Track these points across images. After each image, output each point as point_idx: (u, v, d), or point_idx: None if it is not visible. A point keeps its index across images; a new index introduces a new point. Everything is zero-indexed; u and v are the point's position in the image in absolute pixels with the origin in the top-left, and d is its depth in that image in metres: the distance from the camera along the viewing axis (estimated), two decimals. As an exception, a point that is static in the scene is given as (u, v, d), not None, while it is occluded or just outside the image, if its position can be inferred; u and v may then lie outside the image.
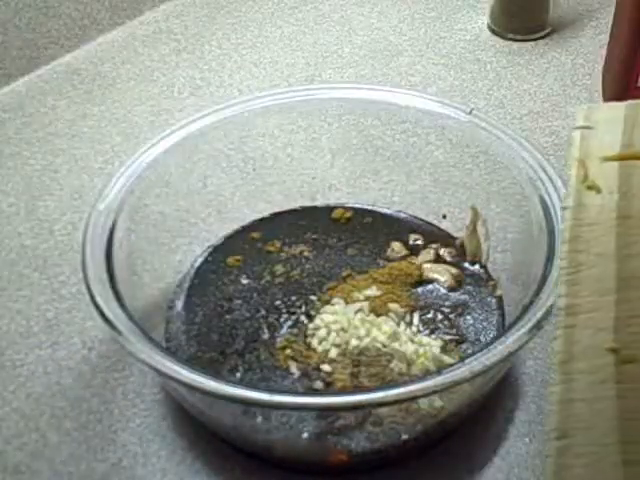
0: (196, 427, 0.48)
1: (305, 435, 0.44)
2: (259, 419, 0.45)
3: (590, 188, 0.36)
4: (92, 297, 0.44)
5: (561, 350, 0.32)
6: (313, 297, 0.52)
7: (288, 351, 0.49)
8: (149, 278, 0.53)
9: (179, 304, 0.53)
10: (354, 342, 0.49)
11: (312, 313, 0.51)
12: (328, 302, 0.52)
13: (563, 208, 0.37)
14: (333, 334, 0.49)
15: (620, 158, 0.37)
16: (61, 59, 0.79)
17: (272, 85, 0.74)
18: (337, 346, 0.49)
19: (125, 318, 0.43)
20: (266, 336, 0.50)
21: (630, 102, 0.40)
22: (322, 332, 0.49)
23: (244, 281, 0.54)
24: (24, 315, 0.55)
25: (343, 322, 0.50)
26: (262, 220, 0.58)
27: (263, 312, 0.52)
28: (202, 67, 0.77)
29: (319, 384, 0.47)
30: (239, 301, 0.53)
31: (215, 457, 0.47)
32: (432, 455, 0.46)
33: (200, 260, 0.56)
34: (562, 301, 0.33)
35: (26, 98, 0.74)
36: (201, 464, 0.46)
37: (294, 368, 0.48)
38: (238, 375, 0.48)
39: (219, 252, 0.56)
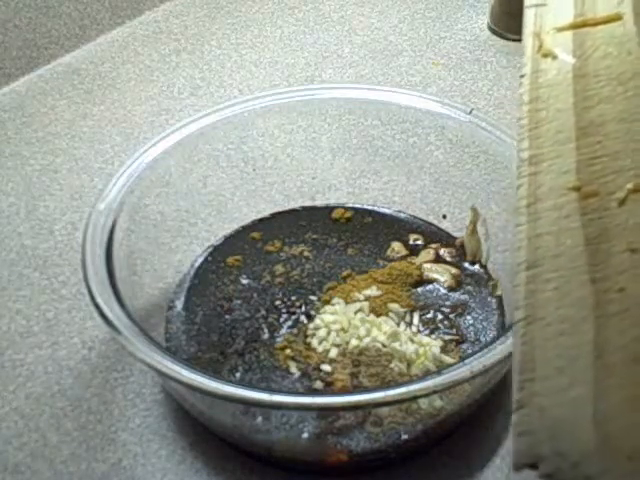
0: (196, 427, 0.48)
1: (305, 435, 0.44)
2: (259, 419, 0.45)
3: (546, 56, 0.39)
4: (92, 297, 0.44)
5: (526, 195, 0.34)
6: (313, 297, 0.52)
7: (288, 351, 0.49)
8: (149, 278, 0.53)
9: (179, 304, 0.53)
10: (354, 342, 0.49)
11: (312, 313, 0.51)
12: (328, 302, 0.52)
13: (521, 76, 0.39)
14: (333, 334, 0.49)
15: (572, 27, 0.40)
16: (61, 59, 0.79)
17: (272, 85, 0.74)
18: (337, 346, 0.49)
19: (125, 318, 0.43)
20: (266, 336, 0.50)
21: None
22: (322, 332, 0.49)
23: (244, 281, 0.54)
24: (24, 315, 0.55)
25: (343, 322, 0.50)
26: (262, 220, 0.58)
27: (263, 312, 0.52)
28: (202, 67, 0.77)
29: (319, 384, 0.47)
30: (239, 301, 0.53)
31: (215, 457, 0.47)
32: (432, 455, 0.46)
33: (200, 260, 0.56)
34: (525, 154, 0.36)
35: (26, 98, 0.74)
36: (201, 464, 0.46)
37: (294, 368, 0.48)
38: (238, 375, 0.48)
39: (219, 252, 0.56)
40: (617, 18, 0.39)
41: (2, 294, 0.56)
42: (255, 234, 0.57)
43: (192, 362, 0.48)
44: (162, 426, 0.48)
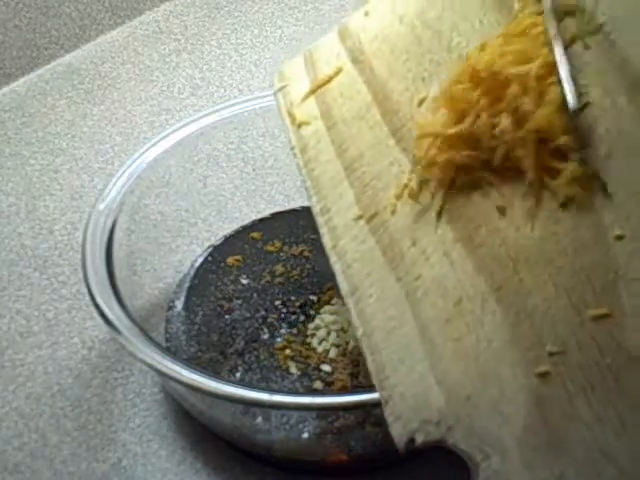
0: (196, 427, 0.48)
1: (305, 435, 0.44)
2: (259, 419, 0.45)
3: (301, 125, 0.46)
4: (92, 297, 0.44)
5: (327, 240, 0.41)
6: (313, 297, 0.52)
7: (288, 351, 0.49)
8: (149, 278, 0.53)
9: (179, 304, 0.53)
10: (354, 342, 0.49)
11: (312, 313, 0.51)
12: (328, 302, 0.52)
13: (291, 149, 0.46)
14: (333, 334, 0.49)
15: (311, 92, 0.47)
16: (61, 59, 0.79)
17: (272, 85, 0.74)
18: (337, 346, 0.49)
19: (125, 318, 0.43)
20: (266, 336, 0.50)
21: (304, 50, 0.50)
22: (322, 332, 0.49)
23: (244, 281, 0.54)
24: (24, 315, 0.55)
25: (343, 322, 0.50)
26: (262, 220, 0.58)
27: (263, 312, 0.52)
28: (202, 67, 0.77)
29: (319, 384, 0.47)
30: (239, 301, 0.53)
31: (215, 457, 0.47)
32: (432, 455, 0.46)
33: (200, 260, 0.56)
34: (316, 208, 0.43)
35: (26, 98, 0.74)
36: (201, 464, 0.46)
37: (294, 368, 0.48)
38: (238, 375, 0.48)
39: (219, 252, 0.56)
40: (339, 71, 0.47)
41: (2, 294, 0.56)
42: (255, 234, 0.57)
43: (192, 362, 0.48)
44: (162, 426, 0.48)
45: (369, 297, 0.38)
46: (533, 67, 0.37)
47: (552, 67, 0.37)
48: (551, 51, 0.38)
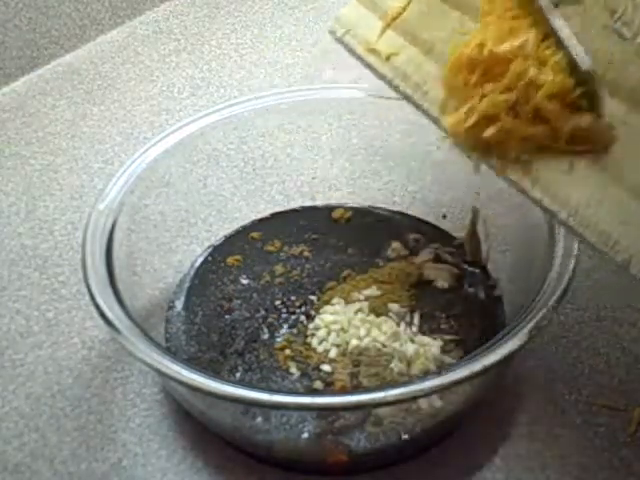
0: (196, 427, 0.48)
1: (305, 435, 0.44)
2: (259, 419, 0.45)
3: (390, 57, 0.46)
4: (92, 297, 0.44)
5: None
6: (313, 297, 0.52)
7: (288, 351, 0.49)
8: (149, 278, 0.53)
9: (179, 304, 0.53)
10: (354, 342, 0.49)
11: (312, 313, 0.51)
12: (328, 302, 0.52)
13: (388, 82, 0.46)
14: (333, 334, 0.49)
15: (387, 26, 0.46)
16: (61, 59, 0.79)
17: (272, 85, 0.74)
18: (337, 346, 0.49)
19: (125, 318, 0.43)
20: (266, 336, 0.50)
21: None
22: (322, 332, 0.49)
23: (244, 281, 0.54)
24: (24, 315, 0.55)
25: (343, 322, 0.50)
26: (262, 220, 0.58)
27: (263, 312, 0.52)
28: (202, 67, 0.78)
29: (319, 384, 0.47)
30: (239, 301, 0.53)
31: (215, 457, 0.47)
32: (432, 455, 0.46)
33: (200, 260, 0.56)
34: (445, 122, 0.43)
35: (26, 98, 0.74)
36: (201, 464, 0.46)
37: (294, 368, 0.48)
38: (238, 375, 0.48)
39: (219, 252, 0.56)
40: (408, 3, 0.46)
41: (2, 294, 0.56)
42: (255, 234, 0.57)
43: (192, 362, 0.48)
44: (162, 426, 0.48)
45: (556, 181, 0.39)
46: (529, 39, 0.38)
47: (543, 36, 0.39)
48: (546, 18, 0.39)
